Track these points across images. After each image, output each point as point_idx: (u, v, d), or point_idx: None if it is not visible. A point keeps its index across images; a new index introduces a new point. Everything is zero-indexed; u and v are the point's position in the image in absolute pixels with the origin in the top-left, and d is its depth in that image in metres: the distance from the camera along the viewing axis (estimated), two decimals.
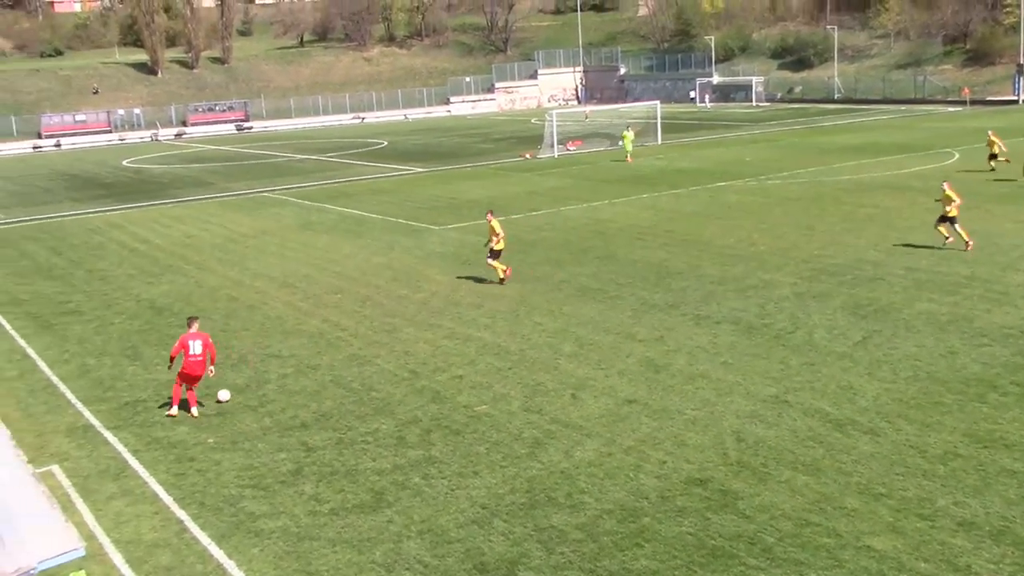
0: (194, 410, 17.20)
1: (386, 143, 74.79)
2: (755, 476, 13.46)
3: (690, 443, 14.67)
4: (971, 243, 26.19)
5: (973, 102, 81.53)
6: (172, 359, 17.10)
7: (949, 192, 26.30)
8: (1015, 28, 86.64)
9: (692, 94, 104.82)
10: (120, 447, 15.89)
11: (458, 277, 26.54)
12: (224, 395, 17.92)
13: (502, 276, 25.36)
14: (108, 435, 16.46)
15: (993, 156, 40.79)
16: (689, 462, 14.02)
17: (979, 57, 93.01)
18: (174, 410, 17.16)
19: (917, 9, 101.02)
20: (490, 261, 25.42)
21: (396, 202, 41.44)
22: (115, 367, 20.37)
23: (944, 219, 26.53)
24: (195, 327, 17.14)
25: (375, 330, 21.89)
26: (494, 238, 24.99)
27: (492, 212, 25.94)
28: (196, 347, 16.84)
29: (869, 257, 26.07)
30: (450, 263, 28.06)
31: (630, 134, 53.14)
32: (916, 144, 53.34)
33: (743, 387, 16.92)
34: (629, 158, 51.99)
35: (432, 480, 13.91)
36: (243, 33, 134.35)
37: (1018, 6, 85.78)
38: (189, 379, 16.99)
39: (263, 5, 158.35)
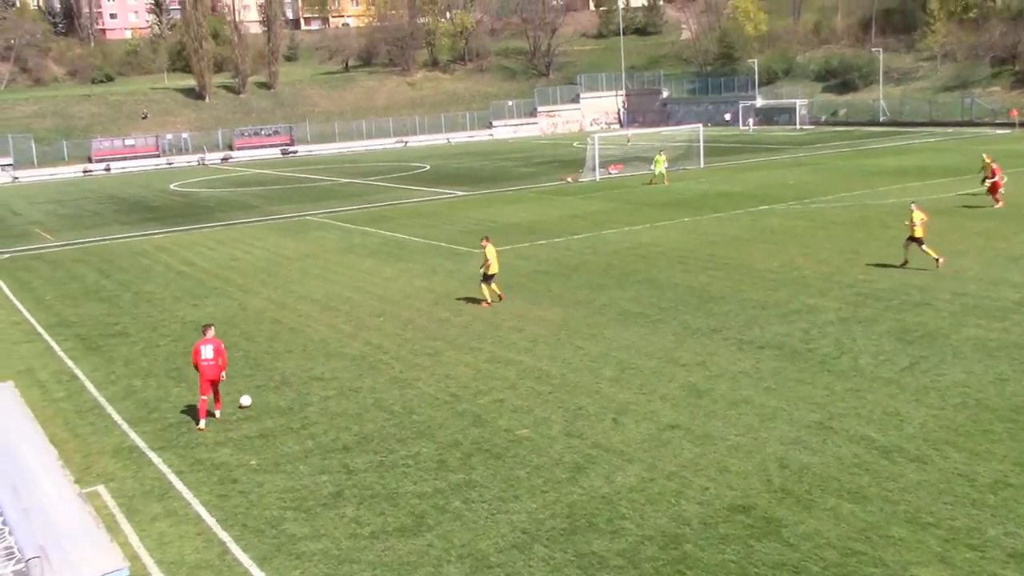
0: (217, 413, 18.24)
1: (428, 167, 75.34)
2: (799, 503, 13.29)
3: (733, 469, 14.54)
4: (941, 260, 27.32)
5: (1022, 124, 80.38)
6: (195, 367, 17.88)
7: (917, 213, 27.43)
8: None
9: (727, 116, 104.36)
10: (164, 468, 16.08)
11: (504, 303, 26.52)
12: (246, 400, 18.70)
13: (489, 301, 25.88)
14: (153, 456, 16.67)
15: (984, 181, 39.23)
16: (732, 488, 13.88)
17: None
18: (202, 424, 17.77)
19: (964, 31, 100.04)
20: (482, 285, 26.03)
21: (438, 225, 41.71)
22: (160, 388, 20.64)
23: (912, 239, 27.42)
24: (209, 333, 18.04)
25: (416, 353, 21.96)
26: (488, 264, 25.62)
27: (488, 239, 26.34)
28: (207, 351, 17.74)
29: (915, 282, 25.77)
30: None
31: (662, 157, 54.10)
32: (963, 167, 52.61)
33: (787, 413, 16.74)
34: (665, 181, 52.59)
35: (473, 504, 13.90)
36: (289, 59, 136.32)
37: None
38: (204, 384, 17.74)
39: (309, 31, 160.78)
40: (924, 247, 27.26)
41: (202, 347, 17.79)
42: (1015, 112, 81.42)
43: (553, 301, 26.00)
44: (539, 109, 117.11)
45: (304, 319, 26.08)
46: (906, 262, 27.56)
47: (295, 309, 27.37)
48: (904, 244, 27.83)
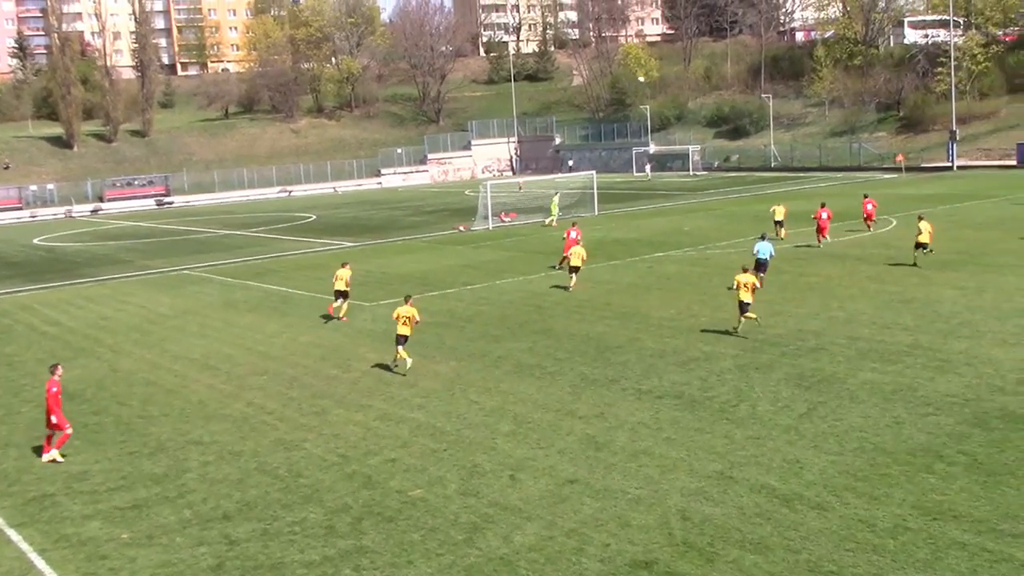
0: (53, 453, 19.20)
1: (314, 217, 74.68)
2: (702, 556, 13.40)
3: (634, 523, 14.58)
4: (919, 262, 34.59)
5: (908, 168, 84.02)
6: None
7: (924, 223, 35.14)
8: (946, 96, 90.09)
9: (648, 168, 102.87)
10: (25, 546, 15.29)
11: (388, 355, 26.24)
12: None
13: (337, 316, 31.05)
14: (12, 533, 15.84)
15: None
16: (633, 543, 13.92)
17: (913, 124, 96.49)
18: (52, 454, 19.13)
19: (850, 77, 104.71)
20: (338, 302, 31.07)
21: (325, 278, 40.93)
22: (21, 459, 19.71)
23: (919, 245, 34.91)
24: (56, 373, 19.67)
25: (303, 413, 21.53)
26: (338, 282, 30.75)
27: (347, 264, 31.91)
28: (52, 388, 19.20)
29: (811, 327, 26.52)
30: (382, 341, 27.80)
31: (557, 199, 57.44)
32: (854, 212, 54.64)
33: (687, 463, 16.93)
34: (553, 223, 55.43)
35: (364, 572, 13.60)
36: (165, 105, 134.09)
37: (948, 74, 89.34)
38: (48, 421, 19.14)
39: (186, 76, 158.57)
40: (922, 251, 34.93)
41: (50, 387, 19.36)
42: (902, 157, 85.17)
43: (447, 354, 25.90)
44: (429, 156, 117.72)
45: (181, 380, 25.32)
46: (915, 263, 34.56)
47: (171, 369, 26.58)
48: (913, 250, 35.06)
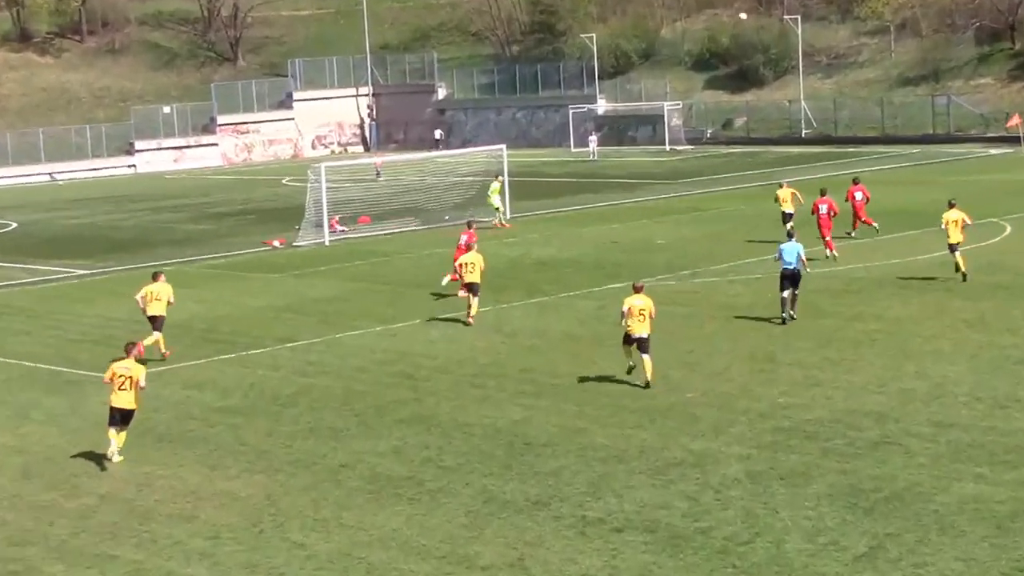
0: None
1: (14, 225, 54.39)
2: None
3: None
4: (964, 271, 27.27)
5: None
6: None
7: (951, 212, 27.52)
8: None
9: (592, 139, 71.57)
10: None
11: (151, 466, 17.85)
12: None
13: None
14: None
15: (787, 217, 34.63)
16: None
17: None
18: None
19: None
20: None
21: (34, 332, 29.15)
22: None
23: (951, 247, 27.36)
24: None
25: None
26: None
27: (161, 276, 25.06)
28: None
29: (871, 406, 19.01)
30: (135, 437, 18.89)
31: (496, 186, 42.09)
32: (939, 211, 31.87)
33: None
34: (504, 223, 41.78)
35: None
36: None
37: None
38: None
39: None
40: (956, 253, 27.26)
41: None
42: (1017, 119, 59.17)
43: (250, 462, 17.94)
44: (220, 121, 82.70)
45: None
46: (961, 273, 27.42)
47: None
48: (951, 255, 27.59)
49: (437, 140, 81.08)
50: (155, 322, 24.41)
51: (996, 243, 33.21)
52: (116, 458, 17.63)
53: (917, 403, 19.00)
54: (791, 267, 24.16)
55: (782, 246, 25.04)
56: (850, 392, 19.84)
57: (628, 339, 20.11)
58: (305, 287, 33.58)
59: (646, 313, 19.91)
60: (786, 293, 24.21)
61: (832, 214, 31.94)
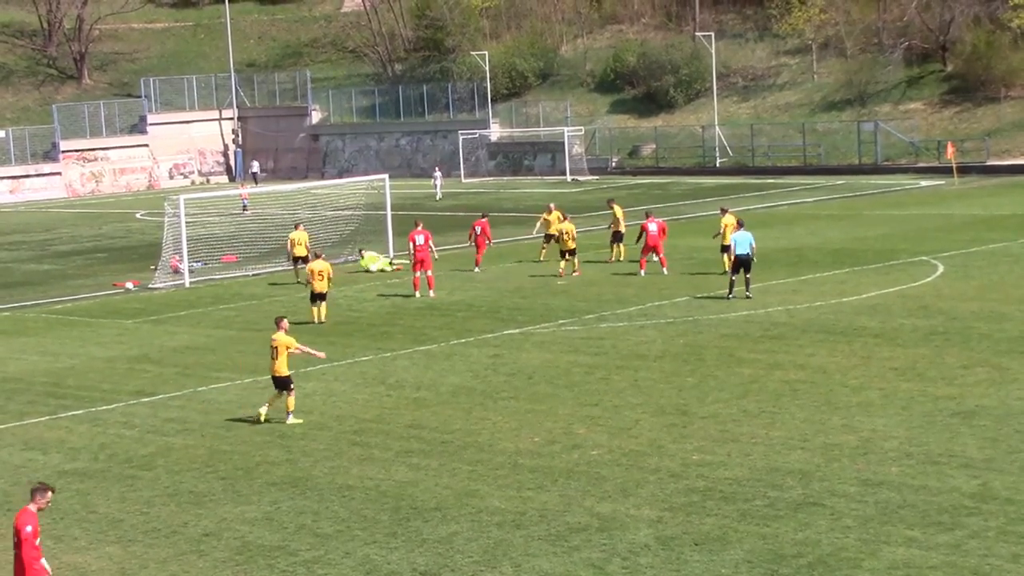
0: None
1: None
2: None
3: None
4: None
5: (962, 169, 55.81)
6: None
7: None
8: None
9: (434, 181, 63.26)
10: None
11: None
12: None
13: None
14: None
15: (617, 237, 35.89)
16: None
17: (969, 88, 65.12)
18: None
19: (857, 3, 70.42)
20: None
21: None
22: None
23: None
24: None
25: None
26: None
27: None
28: None
29: (792, 463, 17.60)
30: None
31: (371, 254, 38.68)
32: (866, 251, 35.95)
33: None
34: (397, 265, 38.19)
35: None
36: None
37: None
38: None
39: None
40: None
41: None
42: (954, 149, 55.86)
43: (101, 531, 16.08)
44: (63, 147, 76.24)
45: None
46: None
47: None
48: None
49: (254, 173, 76.00)
50: (302, 260, 27.34)
51: (928, 283, 31.56)
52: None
53: (843, 460, 17.93)
54: (743, 254, 27.89)
55: (734, 235, 28.59)
56: (770, 448, 18.63)
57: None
58: (163, 335, 31.01)
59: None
60: (735, 276, 28.05)
61: (661, 230, 33.73)
